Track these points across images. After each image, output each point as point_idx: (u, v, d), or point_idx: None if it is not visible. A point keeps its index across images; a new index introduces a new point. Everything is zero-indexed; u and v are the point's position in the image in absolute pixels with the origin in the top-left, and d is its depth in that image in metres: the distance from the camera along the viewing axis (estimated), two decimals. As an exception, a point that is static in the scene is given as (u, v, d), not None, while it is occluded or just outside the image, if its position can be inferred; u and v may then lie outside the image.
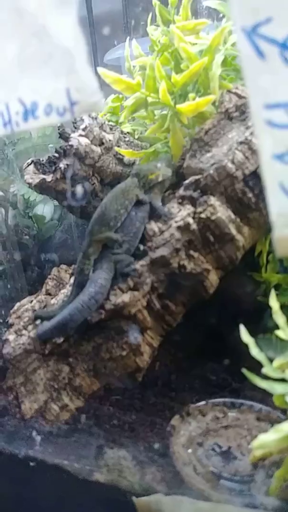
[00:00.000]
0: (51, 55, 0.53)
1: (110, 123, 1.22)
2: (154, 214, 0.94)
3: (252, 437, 0.82)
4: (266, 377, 0.68)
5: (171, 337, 0.94)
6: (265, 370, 0.67)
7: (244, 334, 0.71)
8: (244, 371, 0.66)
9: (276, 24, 0.45)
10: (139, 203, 0.96)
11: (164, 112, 1.10)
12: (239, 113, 0.95)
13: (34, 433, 0.82)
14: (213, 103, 1.05)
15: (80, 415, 0.87)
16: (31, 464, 0.77)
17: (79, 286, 0.90)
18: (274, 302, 0.78)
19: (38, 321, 0.94)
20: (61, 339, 0.89)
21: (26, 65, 0.53)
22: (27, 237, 1.48)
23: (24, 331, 0.96)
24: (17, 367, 0.93)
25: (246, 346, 0.69)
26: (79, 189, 1.03)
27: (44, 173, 1.13)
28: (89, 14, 1.70)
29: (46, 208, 1.48)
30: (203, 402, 0.89)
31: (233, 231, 0.88)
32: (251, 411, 0.87)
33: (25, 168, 1.15)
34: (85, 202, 1.04)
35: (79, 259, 0.92)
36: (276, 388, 0.65)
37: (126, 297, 0.86)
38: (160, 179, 0.99)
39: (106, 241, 0.91)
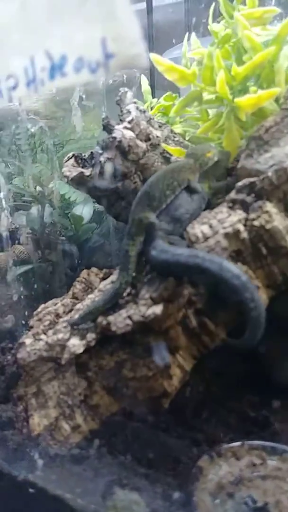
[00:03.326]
0: (87, -1, 0.43)
1: (160, 121, 1.12)
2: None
3: (295, 494, 0.67)
4: None
5: (207, 360, 0.81)
6: None
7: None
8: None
9: None
10: (190, 190, 0.86)
11: (220, 110, 0.99)
12: (307, 110, 0.82)
13: (38, 454, 0.71)
14: (276, 101, 0.93)
15: (93, 439, 0.76)
16: (30, 490, 0.66)
17: (123, 269, 0.80)
18: None
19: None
20: (81, 350, 0.79)
21: (56, 11, 0.44)
22: (63, 237, 1.41)
23: (42, 336, 0.86)
24: (31, 374, 0.83)
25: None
26: (108, 171, 0.94)
27: (84, 168, 1.05)
28: (149, 15, 1.64)
29: (85, 209, 1.40)
30: (238, 443, 0.75)
31: (291, 243, 0.75)
32: (296, 461, 0.72)
33: (65, 162, 1.08)
34: (113, 185, 0.94)
35: (124, 241, 0.82)
36: None
37: (158, 309, 0.74)
38: (216, 158, 0.92)
39: (144, 222, 0.80)
